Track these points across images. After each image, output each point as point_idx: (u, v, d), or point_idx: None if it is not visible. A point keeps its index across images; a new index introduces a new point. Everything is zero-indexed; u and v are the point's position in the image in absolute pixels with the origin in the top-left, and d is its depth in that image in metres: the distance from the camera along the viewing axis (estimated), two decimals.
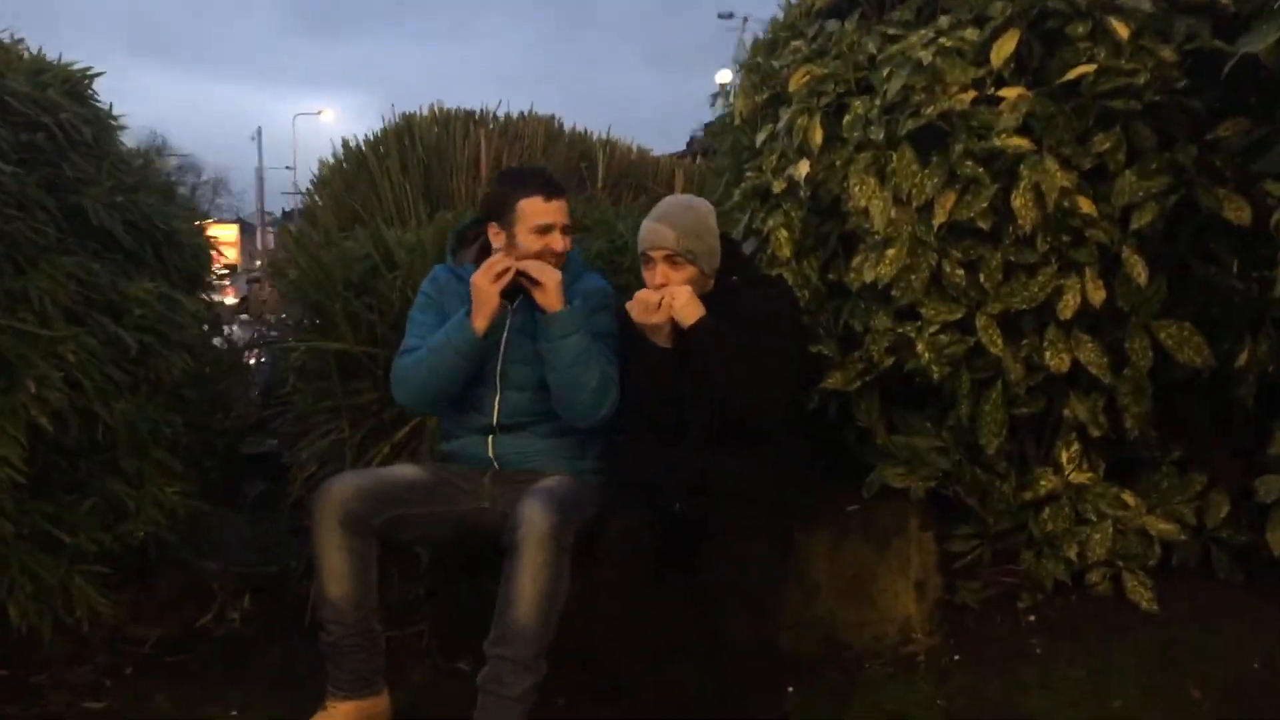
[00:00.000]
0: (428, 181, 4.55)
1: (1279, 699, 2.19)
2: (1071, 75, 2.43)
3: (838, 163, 2.68)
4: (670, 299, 2.41)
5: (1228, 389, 2.62)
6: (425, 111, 4.94)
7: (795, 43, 2.97)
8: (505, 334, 2.54)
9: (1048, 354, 2.55)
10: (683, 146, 11.07)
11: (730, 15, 25.24)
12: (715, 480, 2.41)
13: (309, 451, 3.21)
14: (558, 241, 2.53)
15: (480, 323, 2.44)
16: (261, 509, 3.68)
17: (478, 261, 2.55)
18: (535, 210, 2.51)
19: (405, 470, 2.60)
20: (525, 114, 5.26)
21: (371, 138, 4.80)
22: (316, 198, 4.78)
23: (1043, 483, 2.71)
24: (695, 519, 2.37)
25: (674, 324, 2.42)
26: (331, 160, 4.84)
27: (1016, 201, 2.41)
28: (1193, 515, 2.64)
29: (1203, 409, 2.77)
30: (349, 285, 3.19)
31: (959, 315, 2.57)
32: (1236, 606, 2.52)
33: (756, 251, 2.91)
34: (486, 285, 2.44)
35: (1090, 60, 2.44)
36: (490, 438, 2.58)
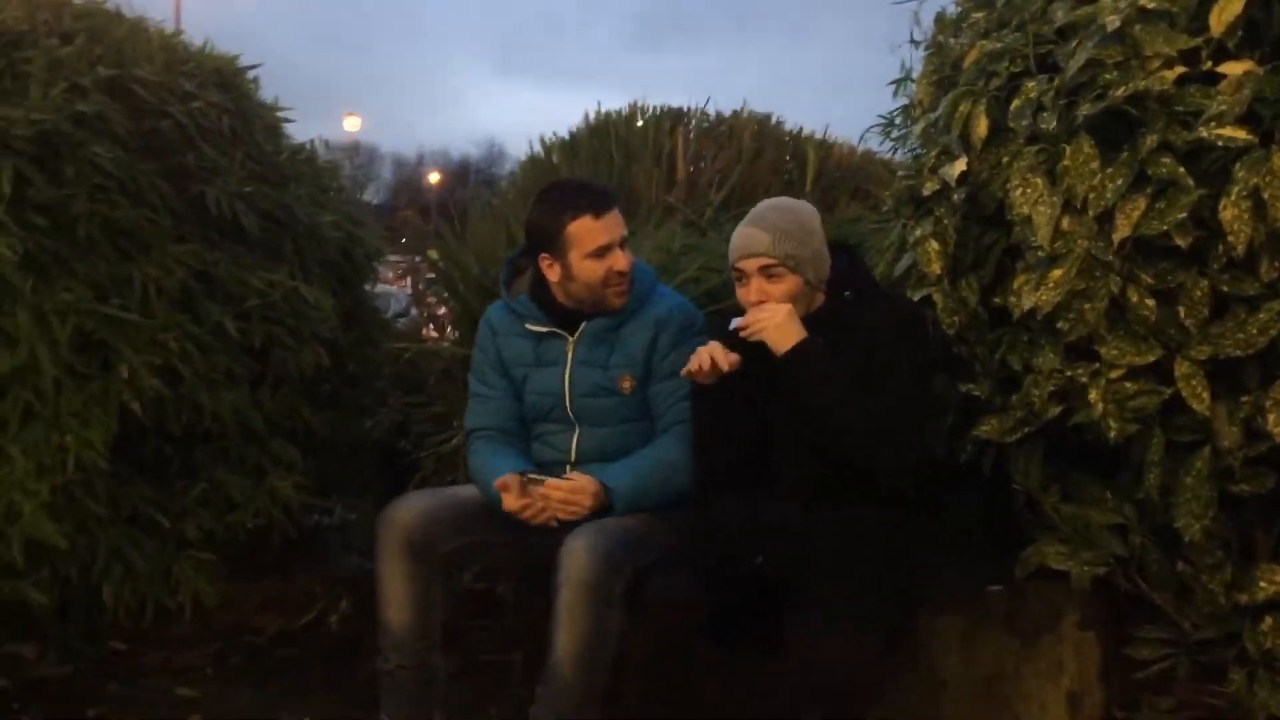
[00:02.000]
0: (619, 182, 4.35)
1: None
2: None
3: (1004, 159, 2.16)
4: (762, 319, 2.03)
5: None
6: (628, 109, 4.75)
7: (977, 14, 2.46)
8: (568, 369, 2.29)
9: (1271, 416, 1.91)
10: None
11: None
12: (811, 538, 2.01)
13: (432, 453, 3.10)
14: (620, 260, 2.25)
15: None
16: None
17: (533, 293, 2.34)
18: (588, 231, 2.22)
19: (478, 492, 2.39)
20: (737, 112, 4.94)
21: (559, 140, 4.67)
22: (508, 197, 4.73)
23: (1263, 584, 2.05)
24: (779, 580, 2.00)
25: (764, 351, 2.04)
26: (526, 159, 4.78)
27: (1227, 212, 1.81)
28: None
29: None
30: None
31: (1152, 358, 1.99)
32: None
33: (909, 270, 2.44)
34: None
35: None
36: (568, 469, 2.33)
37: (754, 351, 2.05)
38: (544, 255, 2.29)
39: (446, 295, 3.34)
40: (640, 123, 4.78)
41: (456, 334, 3.48)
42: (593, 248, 2.22)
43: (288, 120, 3.24)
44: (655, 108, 4.83)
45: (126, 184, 2.46)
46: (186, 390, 2.57)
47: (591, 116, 4.85)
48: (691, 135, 4.76)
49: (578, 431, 2.34)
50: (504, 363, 2.40)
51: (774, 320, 2.03)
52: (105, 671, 2.74)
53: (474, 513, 2.30)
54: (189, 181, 2.66)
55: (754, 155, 4.71)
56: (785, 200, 2.23)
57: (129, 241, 2.47)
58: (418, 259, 4.34)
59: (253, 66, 3.03)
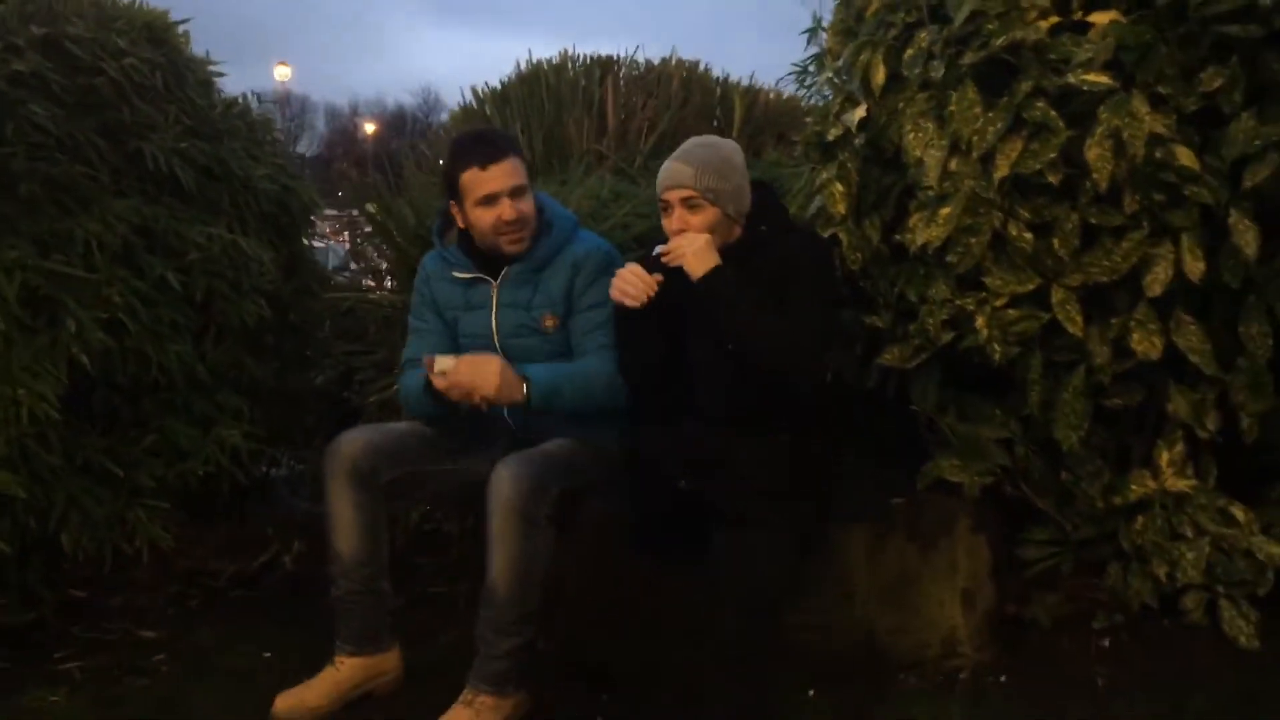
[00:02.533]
0: (550, 131, 4.44)
1: None
2: None
3: (901, 105, 2.33)
4: (681, 245, 2.18)
5: None
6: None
7: None
8: (494, 311, 2.43)
9: (1135, 336, 2.13)
10: None
11: None
12: (728, 462, 2.19)
13: (376, 399, 3.22)
14: (507, 210, 2.35)
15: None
16: None
17: (461, 241, 2.47)
18: (476, 181, 2.34)
19: (422, 426, 2.53)
20: (665, 59, 5.04)
21: (500, 85, 4.74)
22: (440, 148, 4.80)
23: (1135, 487, 2.29)
24: (702, 500, 2.17)
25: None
26: (459, 109, 4.85)
27: (1091, 151, 2.00)
28: None
29: None
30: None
31: (1031, 287, 2.20)
32: None
33: (818, 211, 2.61)
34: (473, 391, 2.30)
35: None
36: (507, 411, 2.47)
37: (675, 279, 2.20)
38: (451, 203, 2.43)
39: (384, 245, 3.44)
40: (571, 72, 4.85)
41: (394, 283, 3.60)
42: (480, 195, 2.34)
43: (219, 75, 3.29)
44: (585, 56, 4.91)
45: (64, 141, 2.53)
46: (132, 343, 2.66)
47: (522, 65, 4.91)
48: (621, 83, 4.85)
49: None
50: (438, 305, 2.53)
51: (692, 248, 2.17)
52: (68, 617, 2.84)
53: (414, 444, 2.44)
54: (126, 137, 2.72)
55: (682, 102, 4.82)
56: (711, 138, 2.36)
57: (69, 198, 2.55)
58: (354, 212, 4.42)
59: (183, 21, 3.07)
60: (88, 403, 2.69)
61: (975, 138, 2.14)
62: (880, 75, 2.37)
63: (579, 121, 4.44)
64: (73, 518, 2.65)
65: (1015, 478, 2.38)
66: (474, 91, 4.79)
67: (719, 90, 4.94)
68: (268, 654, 2.69)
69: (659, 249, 2.24)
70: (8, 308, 2.35)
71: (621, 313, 2.26)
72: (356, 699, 2.41)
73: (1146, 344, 2.11)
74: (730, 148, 2.30)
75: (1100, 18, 2.06)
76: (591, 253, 2.47)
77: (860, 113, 2.38)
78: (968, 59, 2.15)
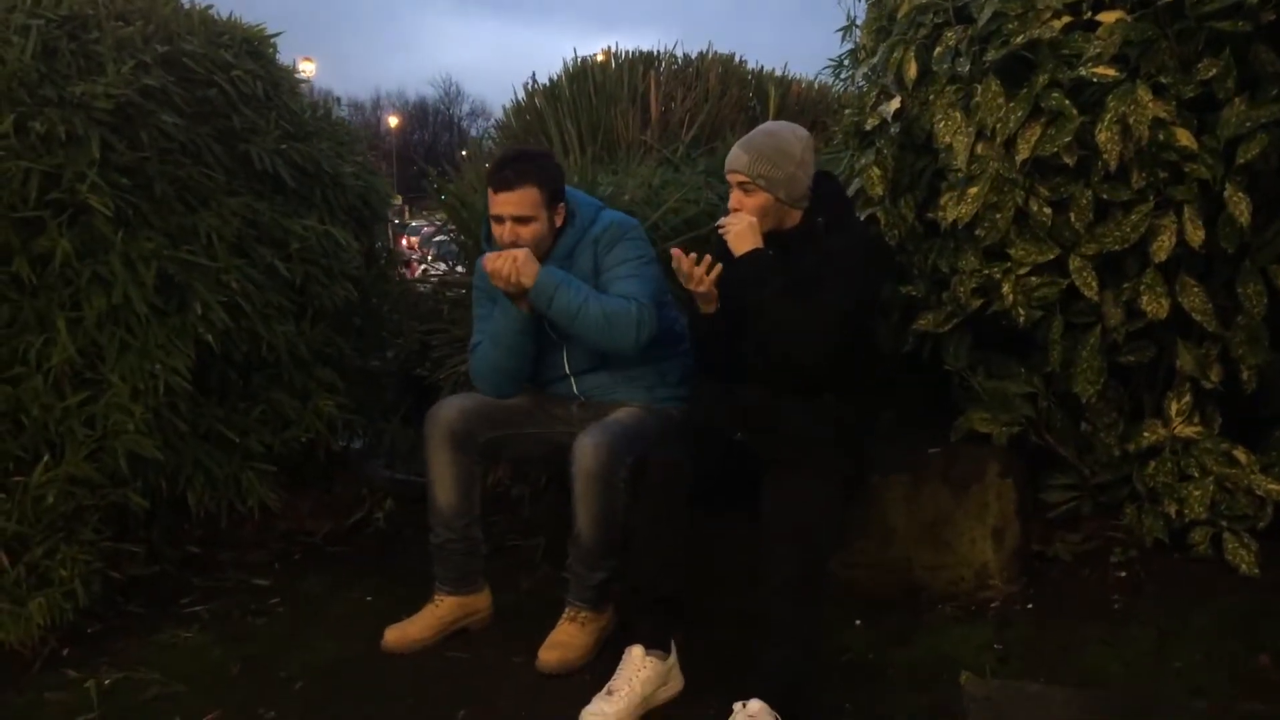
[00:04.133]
0: (598, 123, 4.74)
1: None
2: None
3: (931, 97, 2.61)
4: (728, 225, 2.44)
5: None
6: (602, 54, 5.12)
7: None
8: None
9: (1144, 298, 2.40)
10: None
11: None
12: (775, 416, 2.47)
13: (447, 374, 3.54)
14: (506, 232, 2.58)
15: (521, 304, 2.60)
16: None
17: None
18: (490, 200, 2.60)
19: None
20: (703, 53, 5.32)
21: (550, 82, 5.04)
22: (499, 139, 5.11)
23: (1147, 435, 2.56)
24: (756, 453, 2.45)
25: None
26: (513, 105, 5.15)
27: (1101, 135, 2.27)
28: None
29: None
30: None
31: (1051, 256, 2.47)
32: None
33: (857, 193, 2.88)
34: (497, 278, 2.55)
35: None
36: (571, 380, 2.78)
37: (729, 257, 2.44)
38: None
39: (455, 230, 3.76)
40: (615, 68, 5.14)
41: (465, 265, 3.92)
42: (492, 212, 2.61)
43: (304, 82, 3.61)
44: (627, 53, 5.19)
45: (187, 146, 2.86)
46: (247, 323, 2.98)
47: (569, 64, 5.20)
48: (662, 77, 5.14)
49: (565, 348, 2.75)
50: (494, 295, 2.75)
51: (736, 228, 2.42)
52: (187, 570, 3.19)
53: (502, 411, 2.76)
54: (235, 141, 3.04)
55: (720, 94, 5.11)
56: (777, 125, 2.53)
57: (192, 196, 2.88)
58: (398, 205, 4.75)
59: (275, 34, 3.39)
60: (209, 377, 3.02)
61: (999, 125, 2.41)
62: (912, 70, 2.64)
63: (625, 114, 4.73)
64: (198, 479, 2.99)
65: (1039, 429, 2.65)
66: (525, 88, 5.09)
67: (754, 81, 5.21)
68: (369, 598, 3.02)
69: (718, 221, 2.51)
70: (145, 293, 2.68)
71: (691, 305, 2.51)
72: (453, 633, 2.73)
73: (1155, 305, 2.38)
74: (794, 137, 2.48)
75: (1108, 16, 2.33)
76: (609, 226, 2.70)
77: (895, 104, 2.65)
78: (990, 55, 2.43)
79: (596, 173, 3.93)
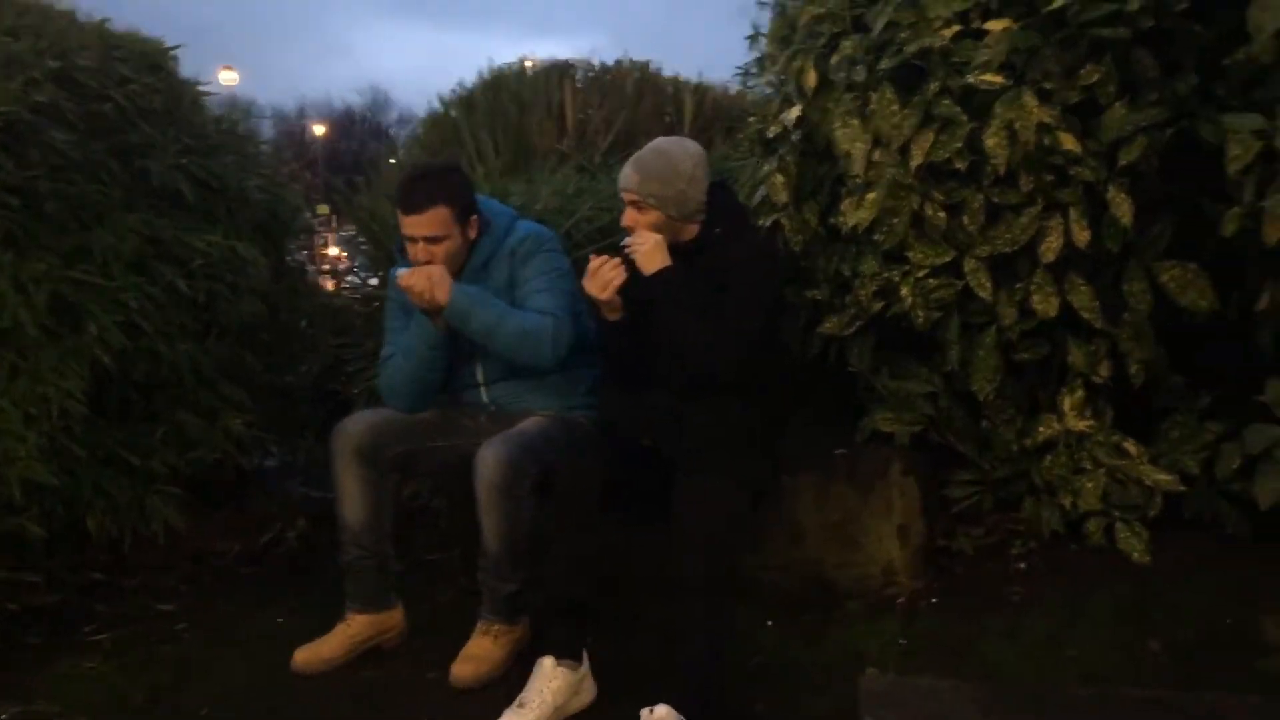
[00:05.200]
0: (513, 135, 4.73)
1: (1237, 657, 2.09)
2: (1056, 4, 2.32)
3: (830, 105, 2.65)
4: (635, 245, 2.47)
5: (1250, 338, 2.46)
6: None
7: None
8: None
9: (1035, 298, 2.47)
10: None
11: None
12: (683, 422, 2.49)
13: (365, 388, 3.50)
14: (419, 252, 2.59)
15: (436, 320, 2.59)
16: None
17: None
18: (400, 221, 2.60)
19: None
20: (619, 62, 5.35)
21: (455, 96, 5.03)
22: (414, 151, 5.07)
23: (1043, 430, 2.63)
24: (665, 457, 2.47)
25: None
26: (427, 115, 5.11)
27: (989, 141, 2.34)
28: (1197, 466, 2.50)
29: (1234, 356, 2.60)
30: None
31: (947, 259, 2.53)
32: (1231, 562, 2.39)
33: (763, 200, 2.92)
34: (412, 294, 2.55)
35: None
36: (482, 389, 2.77)
37: (638, 269, 2.47)
38: None
39: (364, 243, 3.72)
40: (531, 77, 5.14)
41: (377, 277, 3.88)
42: (402, 233, 2.61)
43: (207, 94, 3.55)
44: (543, 62, 5.19)
45: (81, 163, 2.77)
46: (146, 343, 2.91)
47: (485, 73, 5.19)
48: (579, 86, 5.15)
49: (480, 360, 2.74)
50: (407, 308, 2.73)
51: (644, 248, 2.44)
52: (90, 597, 3.10)
53: (410, 425, 2.73)
54: (132, 157, 2.97)
55: (635, 102, 5.13)
56: (665, 143, 2.54)
57: (87, 214, 2.80)
58: (308, 215, 4.68)
59: (175, 47, 3.33)
60: (105, 399, 2.94)
61: (894, 132, 2.47)
62: (812, 79, 2.69)
63: (541, 124, 4.73)
64: (98, 504, 2.90)
65: (940, 427, 2.71)
66: (440, 99, 5.06)
67: (671, 89, 5.25)
68: (280, 619, 2.97)
69: (624, 242, 2.53)
70: (37, 314, 2.60)
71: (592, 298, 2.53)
72: (366, 651, 2.70)
73: (1045, 304, 2.46)
74: (683, 154, 2.50)
75: (995, 25, 2.39)
76: (525, 237, 2.70)
77: (795, 112, 2.70)
78: (884, 64, 2.48)
79: (509, 182, 3.92)
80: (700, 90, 5.24)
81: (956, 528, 2.76)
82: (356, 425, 2.68)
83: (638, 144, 4.81)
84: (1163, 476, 2.50)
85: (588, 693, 2.38)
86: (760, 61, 3.38)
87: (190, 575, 3.28)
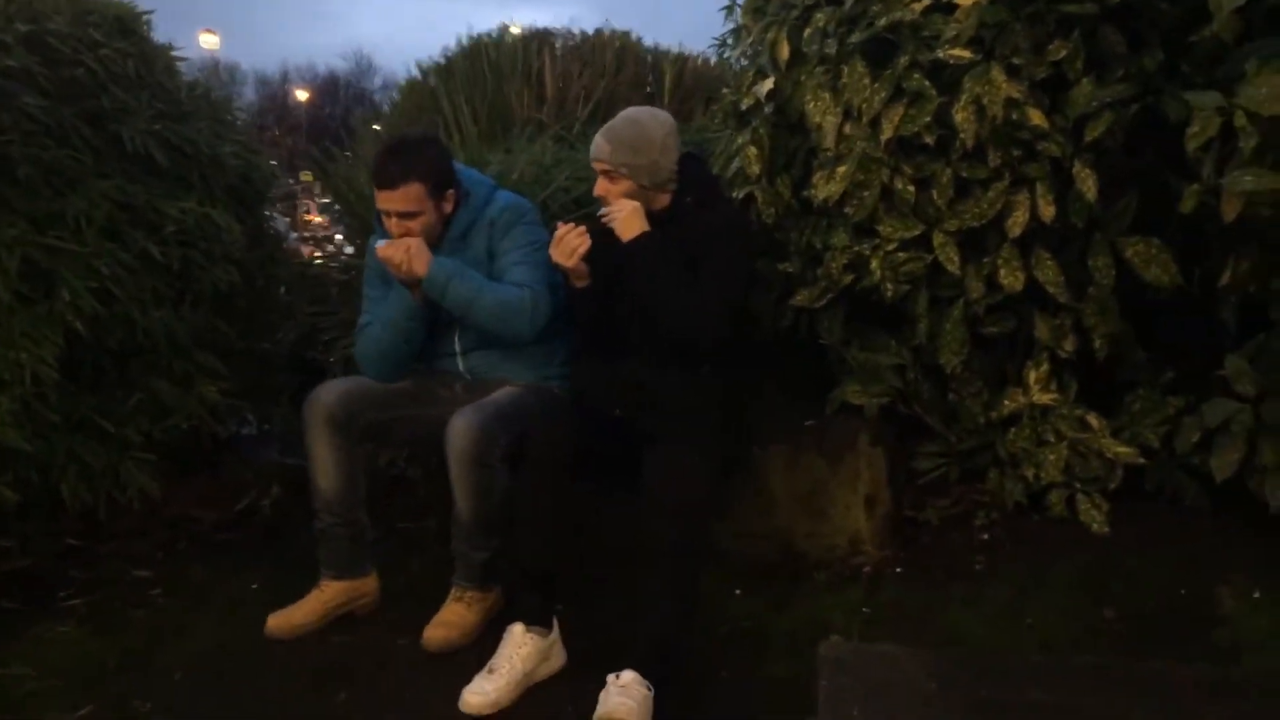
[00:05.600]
0: (493, 101, 4.71)
1: (1191, 626, 2.14)
2: None
3: (802, 78, 2.66)
4: (612, 212, 2.49)
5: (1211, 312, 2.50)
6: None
7: None
8: None
9: (1002, 272, 2.50)
10: None
11: None
12: (654, 392, 2.52)
13: (340, 356, 3.51)
14: (394, 226, 2.60)
15: (414, 291, 2.61)
16: None
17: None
18: (375, 196, 2.61)
19: None
20: (599, 30, 5.33)
21: (435, 63, 5.00)
22: (392, 119, 5.05)
23: (1007, 403, 2.67)
24: (636, 427, 2.50)
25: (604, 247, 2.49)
26: (406, 82, 5.09)
27: (958, 115, 2.36)
28: (1158, 440, 2.54)
29: (1197, 331, 2.63)
30: None
31: (917, 232, 2.55)
32: (1189, 534, 2.43)
33: (736, 172, 2.93)
34: (390, 265, 2.56)
35: None
36: (459, 357, 2.78)
37: (612, 238, 2.48)
38: None
39: (340, 211, 3.71)
40: (510, 44, 5.11)
41: (353, 246, 3.88)
42: (378, 208, 2.63)
43: (181, 59, 3.52)
44: (523, 29, 5.17)
45: (52, 128, 2.76)
46: (120, 309, 2.90)
47: (464, 40, 5.16)
48: (559, 55, 5.12)
49: (457, 329, 2.75)
50: (385, 278, 2.76)
51: (621, 215, 2.47)
52: (65, 562, 3.11)
53: (384, 393, 2.75)
54: (105, 122, 2.95)
55: (615, 71, 5.12)
56: (637, 112, 2.58)
57: (59, 180, 2.78)
58: (291, 182, 4.67)
59: (147, 12, 3.30)
60: (79, 365, 2.94)
61: (864, 105, 2.48)
62: (785, 51, 2.69)
63: (519, 92, 4.72)
64: (71, 470, 2.90)
65: (908, 399, 2.75)
66: (419, 66, 5.03)
67: (650, 59, 5.23)
68: (254, 585, 2.99)
69: (601, 211, 2.55)
70: (9, 280, 2.60)
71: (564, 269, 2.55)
72: (339, 617, 2.73)
73: (1011, 278, 2.48)
74: (654, 123, 2.54)
75: (965, 0, 2.40)
76: (505, 208, 2.72)
77: (769, 85, 2.70)
78: (856, 37, 2.49)
79: (486, 151, 3.91)
80: (680, 60, 5.23)
81: (923, 499, 2.80)
82: (329, 394, 2.69)
83: (617, 114, 4.81)
84: (1123, 449, 2.54)
85: (557, 659, 2.42)
86: (736, 33, 3.38)
87: (165, 542, 3.29)
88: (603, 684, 2.19)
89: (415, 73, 5.03)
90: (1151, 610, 2.21)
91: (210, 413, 3.26)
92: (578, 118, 4.73)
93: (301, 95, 39.07)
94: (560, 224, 2.51)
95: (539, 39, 5.17)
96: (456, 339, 2.77)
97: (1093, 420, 2.59)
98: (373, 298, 2.82)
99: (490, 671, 2.31)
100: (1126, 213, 2.44)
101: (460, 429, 2.49)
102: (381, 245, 2.59)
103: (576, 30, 5.33)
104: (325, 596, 2.73)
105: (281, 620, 2.67)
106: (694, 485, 2.32)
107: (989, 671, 1.74)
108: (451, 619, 2.59)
